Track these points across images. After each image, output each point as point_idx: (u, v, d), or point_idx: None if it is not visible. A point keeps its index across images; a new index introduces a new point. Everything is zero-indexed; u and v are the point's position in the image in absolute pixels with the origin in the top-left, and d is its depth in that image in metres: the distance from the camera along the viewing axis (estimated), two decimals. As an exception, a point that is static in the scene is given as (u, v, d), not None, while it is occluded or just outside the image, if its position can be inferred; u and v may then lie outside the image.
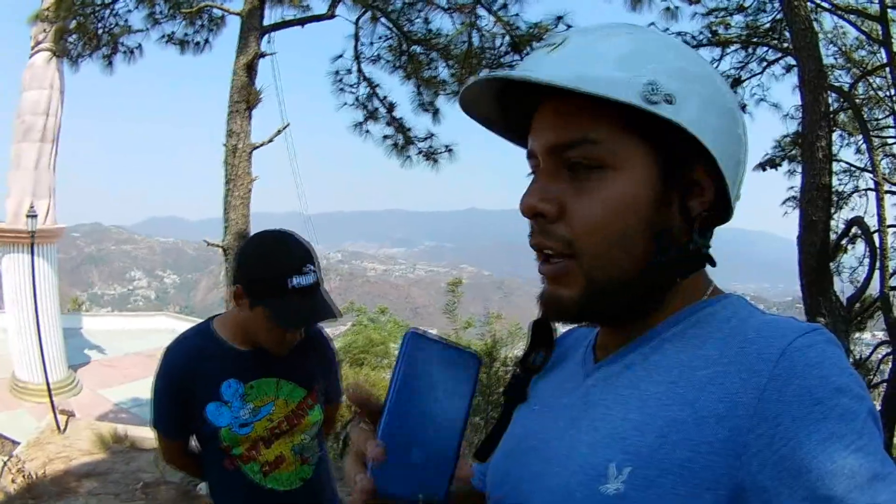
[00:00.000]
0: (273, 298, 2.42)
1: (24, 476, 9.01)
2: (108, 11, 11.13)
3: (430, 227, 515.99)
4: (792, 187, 15.73)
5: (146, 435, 11.83)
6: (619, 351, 1.10)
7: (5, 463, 9.74)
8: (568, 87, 0.93)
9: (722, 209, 1.08)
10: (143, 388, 18.60)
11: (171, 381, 2.60)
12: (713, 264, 1.07)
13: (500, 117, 1.19)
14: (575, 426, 1.08)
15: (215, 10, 11.17)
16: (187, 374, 2.57)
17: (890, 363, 11.55)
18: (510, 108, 1.16)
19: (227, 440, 2.57)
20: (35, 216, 16.12)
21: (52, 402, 13.70)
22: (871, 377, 12.43)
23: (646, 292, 1.06)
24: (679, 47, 1.06)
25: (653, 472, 0.90)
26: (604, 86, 0.94)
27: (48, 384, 14.83)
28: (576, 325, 1.35)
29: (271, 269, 2.45)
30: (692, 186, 1.04)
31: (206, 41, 11.77)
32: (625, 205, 1.01)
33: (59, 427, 12.77)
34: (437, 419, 0.94)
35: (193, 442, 2.79)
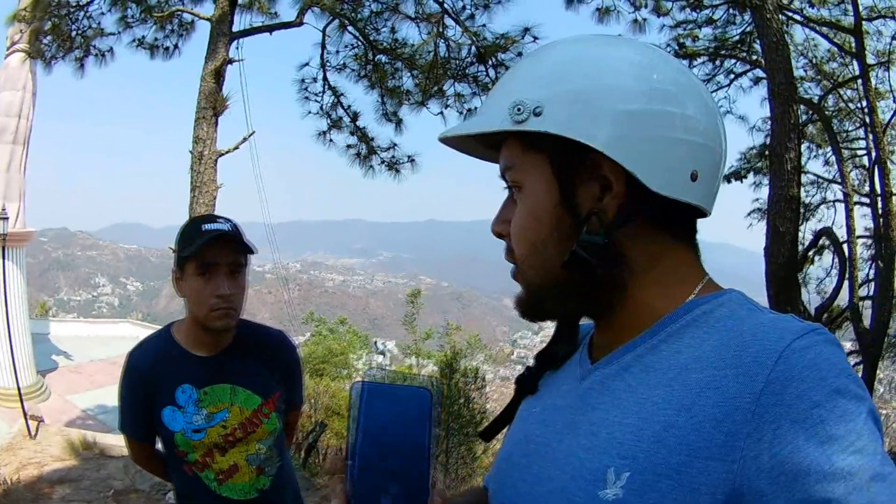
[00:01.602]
0: (192, 245, 2.48)
1: (-1, 482, 8.96)
2: (82, 13, 11.08)
3: (389, 238, 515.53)
4: (757, 199, 15.91)
5: (115, 442, 11.76)
6: (614, 352, 1.10)
7: (-21, 468, 9.68)
8: (450, 136, 1.16)
9: (647, 198, 1.03)
10: (109, 395, 18.46)
11: (131, 384, 2.64)
12: (605, 262, 1.05)
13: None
14: (573, 430, 1.08)
15: (186, 15, 11.14)
16: (145, 378, 2.60)
17: (860, 373, 11.60)
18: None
19: (182, 445, 2.58)
20: (6, 219, 15.95)
21: (23, 407, 13.58)
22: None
23: (582, 290, 1.09)
24: (551, 53, 1.10)
25: (650, 476, 0.89)
26: (478, 122, 1.11)
27: (19, 389, 14.71)
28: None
29: (188, 226, 2.59)
30: (606, 182, 1.04)
31: (176, 46, 11.77)
32: (532, 216, 1.09)
33: (30, 432, 12.67)
34: (400, 460, 0.96)
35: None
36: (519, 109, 1.03)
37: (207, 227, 2.50)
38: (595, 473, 0.96)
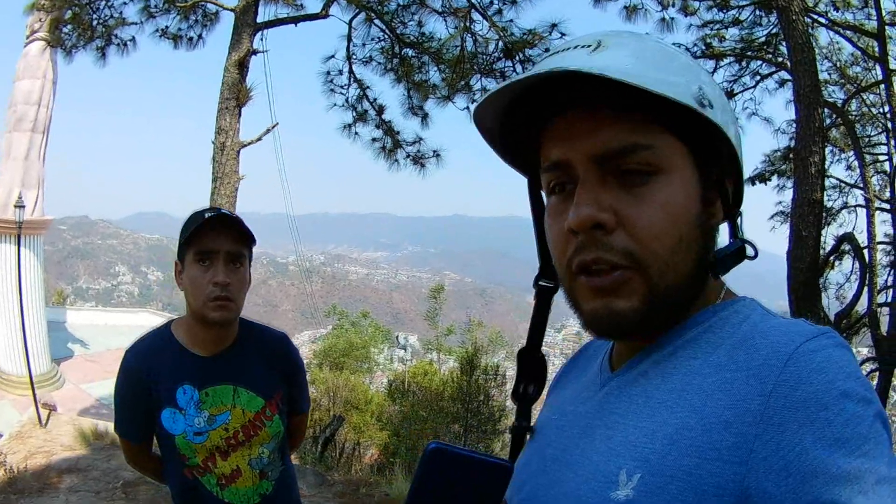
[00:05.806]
0: (194, 235, 2.48)
1: (5, 469, 8.97)
2: (103, 3, 11.20)
3: (415, 232, 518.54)
4: (780, 202, 15.91)
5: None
6: (632, 359, 1.11)
7: (-13, 455, 9.71)
8: (638, 85, 0.88)
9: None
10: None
11: (128, 384, 2.58)
12: (751, 257, 1.09)
13: (500, 135, 1.15)
14: (590, 434, 1.09)
15: (209, 6, 11.24)
16: (143, 378, 2.54)
17: (876, 379, 11.56)
18: (515, 124, 1.12)
19: (183, 448, 2.52)
20: (23, 207, 16.00)
21: (34, 395, 13.63)
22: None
23: (696, 292, 1.05)
24: (668, 47, 1.06)
25: (660, 478, 0.90)
26: (664, 87, 0.90)
27: (31, 377, 14.79)
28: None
29: (191, 216, 2.58)
30: (722, 185, 1.06)
31: (200, 36, 11.86)
32: (682, 208, 1.00)
33: (40, 421, 12.71)
34: None
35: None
36: (702, 93, 0.96)
37: (209, 214, 2.48)
38: (608, 475, 0.97)
